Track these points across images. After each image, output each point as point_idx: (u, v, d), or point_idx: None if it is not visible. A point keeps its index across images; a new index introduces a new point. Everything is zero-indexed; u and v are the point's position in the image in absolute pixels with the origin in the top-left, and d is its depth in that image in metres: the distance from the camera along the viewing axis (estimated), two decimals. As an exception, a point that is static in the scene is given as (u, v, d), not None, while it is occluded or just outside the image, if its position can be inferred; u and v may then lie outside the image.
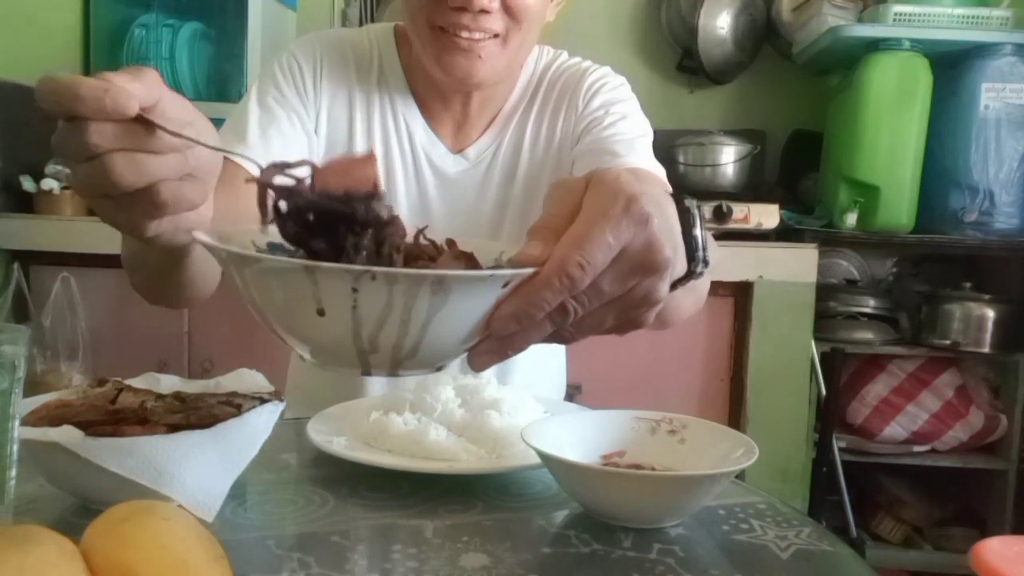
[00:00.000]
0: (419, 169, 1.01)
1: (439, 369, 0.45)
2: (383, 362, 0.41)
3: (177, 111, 0.45)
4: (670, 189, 0.90)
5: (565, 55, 1.07)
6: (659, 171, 0.93)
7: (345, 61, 1.00)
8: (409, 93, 1.01)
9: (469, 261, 0.47)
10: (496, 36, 0.88)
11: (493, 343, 0.43)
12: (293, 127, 0.94)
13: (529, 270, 0.42)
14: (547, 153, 1.02)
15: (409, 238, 0.48)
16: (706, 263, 0.51)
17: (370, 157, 0.48)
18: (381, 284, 0.37)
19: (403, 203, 1.01)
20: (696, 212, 0.50)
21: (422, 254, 0.47)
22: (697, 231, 0.50)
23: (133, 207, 0.46)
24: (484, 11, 0.85)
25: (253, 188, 0.45)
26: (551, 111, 1.02)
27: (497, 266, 0.47)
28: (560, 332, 0.44)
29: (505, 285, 0.41)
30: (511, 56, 0.91)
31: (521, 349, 0.44)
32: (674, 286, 0.49)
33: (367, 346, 0.40)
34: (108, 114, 0.42)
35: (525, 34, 0.90)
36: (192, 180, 0.47)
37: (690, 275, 0.50)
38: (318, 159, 0.98)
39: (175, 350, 1.89)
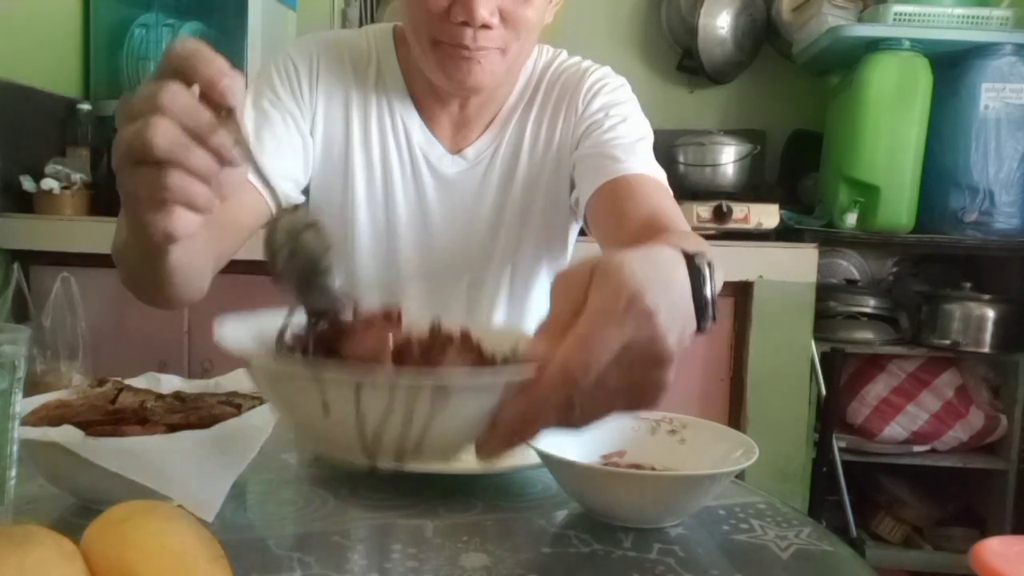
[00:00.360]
0: (417, 170, 1.01)
1: (448, 461, 0.46)
2: (388, 457, 0.43)
3: (243, 126, 0.47)
4: (670, 192, 0.90)
5: (564, 54, 1.07)
6: (659, 174, 0.93)
7: (342, 62, 1.00)
8: (407, 94, 1.01)
9: (477, 356, 0.48)
10: (497, 48, 0.88)
11: (499, 438, 0.43)
12: (287, 129, 0.95)
13: (529, 369, 0.42)
14: (546, 154, 1.02)
15: (425, 325, 0.51)
16: (714, 319, 0.51)
17: (397, 318, 0.51)
18: (383, 389, 0.39)
19: (401, 204, 1.01)
20: (706, 271, 0.50)
21: (434, 345, 0.49)
22: (707, 290, 0.50)
23: (147, 181, 0.46)
24: (486, 26, 0.85)
25: (245, 200, 0.47)
26: (551, 111, 1.02)
27: (507, 361, 0.49)
28: (568, 422, 0.44)
29: (505, 383, 0.42)
30: (510, 63, 0.92)
31: (528, 440, 0.44)
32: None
33: (371, 443, 0.42)
34: (217, 91, 0.45)
35: (524, 44, 0.91)
36: (210, 186, 0.47)
37: (699, 333, 0.50)
38: (311, 166, 0.99)
39: (175, 350, 1.89)
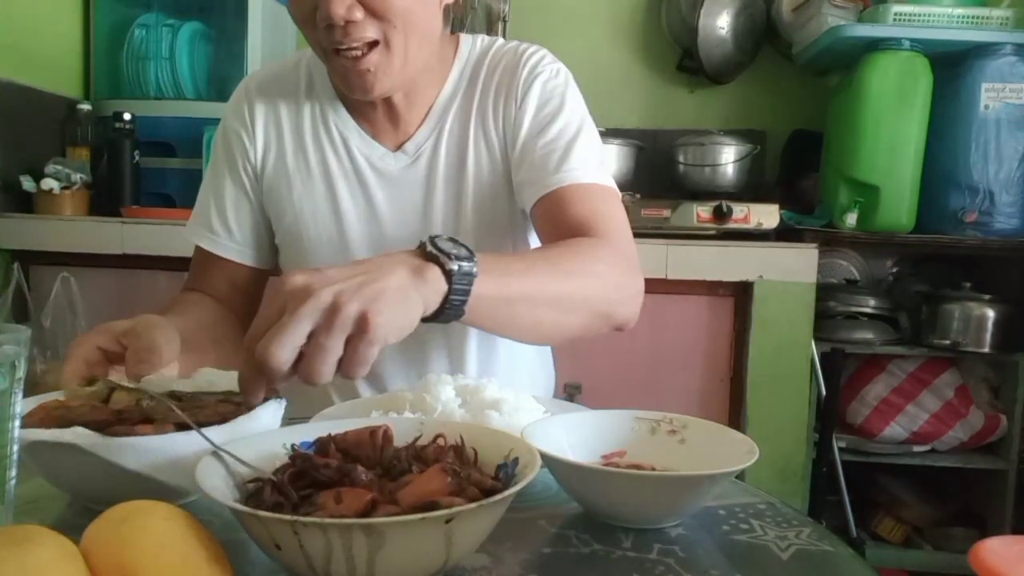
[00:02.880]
0: (360, 173, 1.01)
1: None
2: None
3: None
4: (607, 186, 0.95)
5: (501, 40, 1.06)
6: (592, 174, 0.93)
7: (270, 90, 1.04)
8: (340, 102, 1.02)
9: (455, 478, 0.50)
10: (376, 44, 0.87)
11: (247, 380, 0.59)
12: (241, 198, 1.05)
13: (471, 506, 0.45)
14: (490, 142, 1.01)
15: (427, 440, 0.58)
16: (444, 312, 0.64)
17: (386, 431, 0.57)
18: (315, 529, 0.42)
19: (350, 211, 1.01)
20: (437, 251, 0.63)
21: (427, 458, 0.55)
22: (452, 265, 0.63)
23: None
24: (350, 21, 0.84)
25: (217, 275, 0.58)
26: (492, 97, 1.01)
27: (504, 465, 0.54)
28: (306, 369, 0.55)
29: (448, 521, 0.44)
30: (401, 56, 0.89)
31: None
32: (433, 318, 0.64)
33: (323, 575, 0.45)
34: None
35: (406, 30, 0.88)
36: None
37: (441, 311, 0.63)
38: (267, 210, 1.07)
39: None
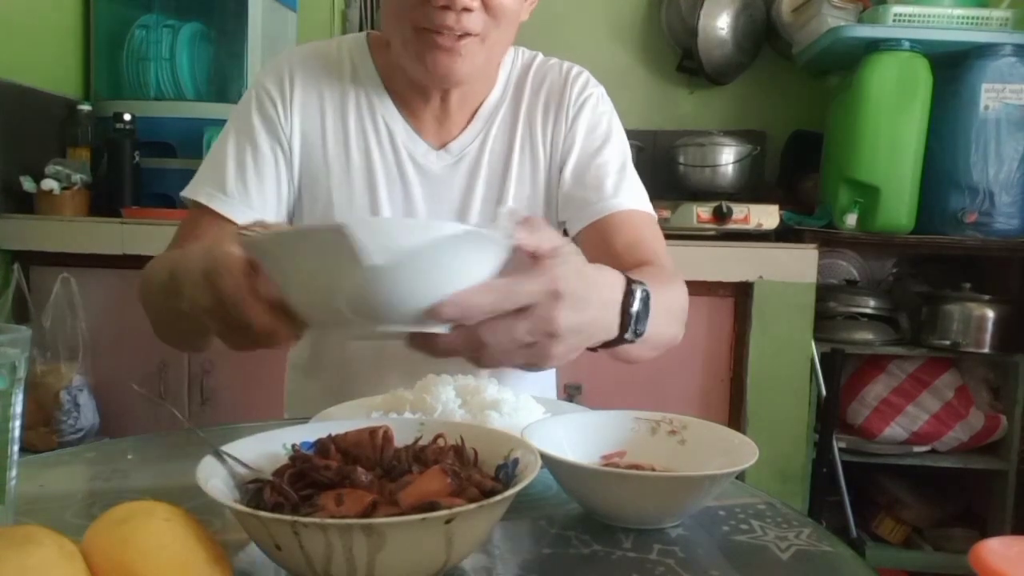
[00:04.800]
0: (401, 168, 1.01)
1: None
2: None
3: None
4: (654, 216, 1.02)
5: (541, 56, 1.08)
6: (643, 201, 1.01)
7: (314, 69, 1.01)
8: (386, 93, 1.01)
9: (455, 479, 0.50)
10: (476, 35, 0.89)
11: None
12: (266, 164, 0.98)
13: (470, 507, 0.45)
14: (535, 154, 1.03)
15: (427, 440, 0.58)
16: (638, 334, 0.67)
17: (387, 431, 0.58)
18: (315, 530, 0.42)
19: (385, 203, 1.01)
20: (638, 294, 0.67)
21: (427, 459, 0.55)
22: (633, 309, 0.66)
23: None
24: (467, 9, 0.86)
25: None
26: (541, 111, 1.03)
27: (504, 466, 0.55)
28: (479, 357, 0.56)
29: (448, 522, 0.44)
30: (488, 53, 0.92)
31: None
32: (606, 346, 0.68)
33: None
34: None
35: (503, 32, 0.91)
36: None
37: (620, 340, 0.67)
38: (294, 183, 1.02)
39: (175, 351, 1.89)
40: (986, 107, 1.92)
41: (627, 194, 0.99)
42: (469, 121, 1.02)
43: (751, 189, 2.18)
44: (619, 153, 1.03)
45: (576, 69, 1.06)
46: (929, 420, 2.03)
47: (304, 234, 0.53)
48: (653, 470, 0.64)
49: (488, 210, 1.01)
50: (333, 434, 0.58)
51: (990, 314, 1.98)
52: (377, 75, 1.01)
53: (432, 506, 0.45)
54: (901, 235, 2.00)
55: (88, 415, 1.87)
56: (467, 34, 0.88)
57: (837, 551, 0.58)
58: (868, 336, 2.03)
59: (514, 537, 0.58)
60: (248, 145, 0.98)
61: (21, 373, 0.50)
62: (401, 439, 0.58)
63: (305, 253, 0.51)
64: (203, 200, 0.96)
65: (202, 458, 0.51)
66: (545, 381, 1.17)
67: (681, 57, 2.39)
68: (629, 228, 0.97)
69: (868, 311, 2.06)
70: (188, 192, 0.98)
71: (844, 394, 2.07)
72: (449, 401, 0.74)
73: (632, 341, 0.67)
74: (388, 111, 1.01)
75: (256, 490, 0.51)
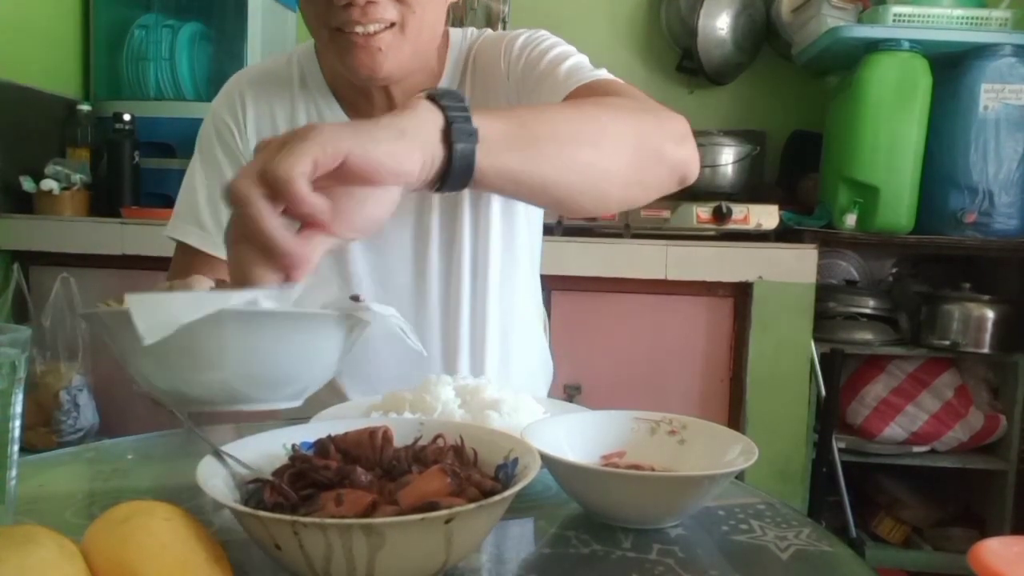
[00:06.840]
0: None
1: None
2: None
3: None
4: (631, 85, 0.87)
5: (488, 31, 1.05)
6: (603, 73, 0.89)
7: (264, 87, 1.02)
8: (333, 98, 1.01)
9: (454, 479, 0.49)
10: (392, 25, 0.86)
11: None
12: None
13: (470, 506, 0.44)
14: None
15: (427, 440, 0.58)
16: (468, 134, 0.59)
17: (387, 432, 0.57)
18: (315, 530, 0.42)
19: None
20: (443, 102, 0.60)
21: (427, 459, 0.55)
22: (447, 109, 0.60)
23: None
24: (371, 2, 0.84)
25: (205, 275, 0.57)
26: (484, 85, 1.00)
27: (503, 466, 0.54)
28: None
29: (448, 522, 0.44)
30: (413, 43, 0.89)
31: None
32: (442, 183, 0.59)
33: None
34: None
35: (422, 18, 0.88)
36: None
37: (449, 161, 0.59)
38: None
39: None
40: (985, 107, 1.92)
41: (582, 72, 0.88)
42: None
43: (751, 189, 2.18)
44: (568, 50, 0.94)
45: (514, 33, 1.00)
46: (929, 420, 2.03)
47: (115, 314, 0.49)
48: (653, 470, 0.64)
49: (449, 203, 0.99)
50: (333, 434, 0.58)
51: (990, 314, 1.99)
52: (325, 82, 1.01)
53: (432, 506, 0.45)
54: (901, 235, 2.00)
55: (88, 415, 1.86)
56: (383, 27, 0.86)
57: (836, 551, 0.58)
58: (868, 336, 2.03)
59: (514, 537, 0.58)
60: (216, 178, 1.01)
61: (21, 373, 0.50)
62: (401, 439, 0.58)
63: (114, 333, 0.50)
64: (181, 238, 1.00)
65: (202, 458, 0.51)
66: (544, 381, 1.17)
67: (681, 57, 2.39)
68: (588, 93, 0.85)
69: (868, 311, 2.06)
70: (169, 231, 1.01)
71: (844, 394, 2.07)
72: (449, 401, 0.74)
73: (469, 145, 0.59)
74: (337, 116, 1.00)
75: (256, 490, 0.51)
